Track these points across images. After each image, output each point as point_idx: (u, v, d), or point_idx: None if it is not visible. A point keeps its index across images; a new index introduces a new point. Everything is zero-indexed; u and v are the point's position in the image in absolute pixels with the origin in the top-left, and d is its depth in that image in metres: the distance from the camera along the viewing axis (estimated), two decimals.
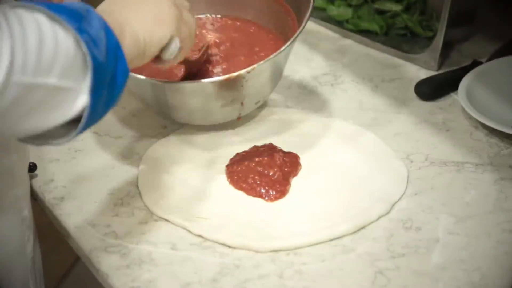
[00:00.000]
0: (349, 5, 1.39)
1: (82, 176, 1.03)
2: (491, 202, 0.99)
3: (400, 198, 0.99)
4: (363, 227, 0.95)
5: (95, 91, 0.75)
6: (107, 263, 0.90)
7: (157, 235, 0.94)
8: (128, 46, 0.82)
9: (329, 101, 1.20)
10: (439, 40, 1.25)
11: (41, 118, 0.74)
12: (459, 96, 1.15)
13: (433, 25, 1.32)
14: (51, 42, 0.72)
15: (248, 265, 0.90)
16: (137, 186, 1.01)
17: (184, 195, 0.99)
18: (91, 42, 0.74)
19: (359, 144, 1.08)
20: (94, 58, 0.74)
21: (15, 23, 0.70)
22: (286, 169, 1.02)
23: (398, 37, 1.35)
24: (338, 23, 1.38)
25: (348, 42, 1.36)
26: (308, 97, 1.22)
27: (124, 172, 1.04)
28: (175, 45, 0.89)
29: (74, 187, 1.01)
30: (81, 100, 0.75)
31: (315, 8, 1.42)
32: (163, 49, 0.89)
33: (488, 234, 0.94)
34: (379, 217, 0.96)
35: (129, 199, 1.00)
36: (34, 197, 1.02)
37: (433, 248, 0.92)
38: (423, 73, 1.26)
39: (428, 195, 1.00)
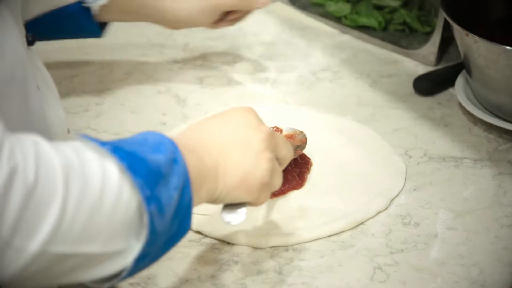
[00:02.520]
0: (347, 1, 1.39)
1: None
2: (490, 197, 0.99)
3: (398, 194, 0.99)
4: (362, 223, 0.95)
5: (144, 258, 0.68)
6: None
7: None
8: (202, 196, 0.76)
9: (328, 96, 1.21)
10: (437, 36, 1.25)
11: (72, 277, 0.66)
12: (457, 91, 1.15)
13: (432, 20, 1.32)
14: (109, 206, 0.63)
15: (247, 261, 0.90)
16: None
17: None
18: (157, 213, 0.66)
19: (357, 140, 1.08)
20: (152, 232, 0.66)
21: (75, 175, 0.61)
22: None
23: (396, 33, 1.35)
24: (336, 19, 1.38)
25: (346, 37, 1.36)
26: (306, 93, 1.22)
27: None
28: (241, 215, 0.80)
29: None
30: (123, 262, 0.67)
31: (313, 4, 1.42)
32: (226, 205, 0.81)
33: (486, 229, 0.94)
34: (378, 213, 0.97)
35: None
36: None
37: (432, 243, 0.92)
38: (422, 69, 1.26)
39: (427, 190, 1.00)
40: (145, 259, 0.69)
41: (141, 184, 0.66)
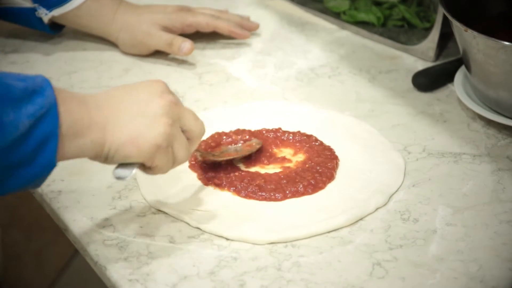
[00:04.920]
0: None
1: (79, 170, 1.03)
2: (489, 193, 0.99)
3: (397, 190, 0.99)
4: (361, 219, 0.95)
5: None
6: (105, 256, 0.90)
7: (155, 228, 0.94)
8: (86, 145, 0.81)
9: (326, 93, 1.20)
10: (436, 31, 1.24)
11: None
12: (456, 87, 1.15)
13: (430, 16, 1.32)
14: None
15: (246, 257, 0.90)
16: (135, 179, 1.01)
17: (182, 188, 0.99)
18: None
19: (356, 136, 1.08)
20: None
21: None
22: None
23: (395, 28, 1.34)
24: (335, 15, 1.38)
25: (345, 33, 1.36)
26: (305, 89, 1.22)
27: None
28: (130, 173, 0.84)
29: (71, 181, 1.01)
30: None
31: (312, 0, 1.42)
32: (120, 164, 0.85)
33: (485, 225, 0.94)
34: (377, 209, 0.97)
35: (127, 192, 1.00)
36: (32, 190, 1.02)
37: (431, 239, 0.92)
38: (420, 64, 1.26)
39: (426, 186, 1.00)
40: None
41: None
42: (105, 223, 0.95)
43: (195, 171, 1.01)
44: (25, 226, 1.89)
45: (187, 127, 0.88)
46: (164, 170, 0.87)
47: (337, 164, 1.02)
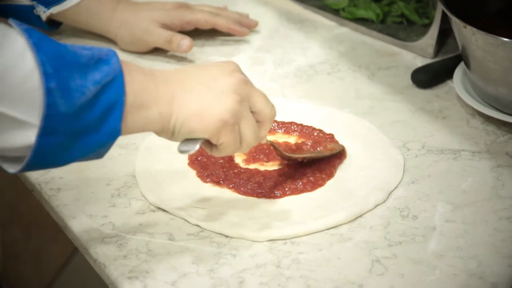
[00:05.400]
0: None
1: (78, 167, 1.03)
2: (488, 190, 0.99)
3: (397, 186, 0.99)
4: (360, 216, 0.95)
5: (48, 137, 0.74)
6: (104, 254, 0.90)
7: (154, 225, 0.94)
8: (152, 117, 0.80)
9: (326, 89, 1.20)
10: (435, 28, 1.24)
11: None
12: (455, 83, 1.15)
13: (430, 12, 1.32)
14: (10, 72, 0.72)
15: (245, 254, 0.90)
16: (134, 177, 1.01)
17: (181, 185, 0.99)
18: (60, 93, 0.74)
19: (355, 133, 1.08)
20: (50, 107, 0.73)
21: None
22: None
23: (394, 25, 1.34)
24: (334, 11, 1.38)
25: (344, 30, 1.36)
26: (304, 85, 1.22)
27: (121, 162, 1.04)
28: (194, 147, 0.83)
29: (70, 178, 1.01)
30: (29, 137, 0.74)
31: None
32: (186, 140, 0.84)
33: (485, 222, 0.94)
34: (376, 206, 0.97)
35: (126, 189, 1.00)
36: (31, 188, 1.02)
37: (430, 236, 0.92)
38: (420, 61, 1.26)
39: (425, 183, 1.00)
40: (50, 139, 0.74)
41: (42, 60, 0.73)
42: (104, 221, 0.95)
43: (194, 169, 1.01)
44: (25, 224, 1.89)
45: (257, 108, 0.86)
46: (230, 150, 0.85)
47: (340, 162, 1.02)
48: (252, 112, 0.86)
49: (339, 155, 1.02)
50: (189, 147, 0.83)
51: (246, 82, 0.85)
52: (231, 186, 0.98)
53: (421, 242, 0.91)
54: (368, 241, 0.91)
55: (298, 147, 1.03)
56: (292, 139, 1.06)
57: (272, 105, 0.88)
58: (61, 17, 1.27)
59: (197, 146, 0.83)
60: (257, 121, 0.87)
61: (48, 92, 0.73)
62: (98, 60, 0.77)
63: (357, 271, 0.88)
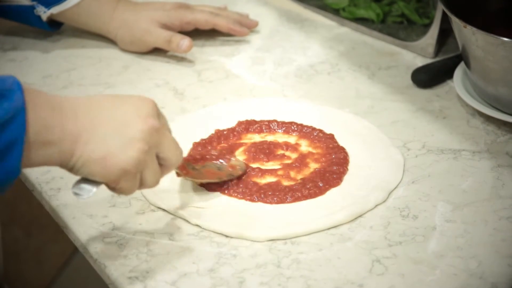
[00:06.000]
0: None
1: None
2: (488, 190, 0.99)
3: (397, 186, 0.99)
4: (360, 216, 0.95)
5: None
6: (104, 254, 0.90)
7: (155, 225, 0.94)
8: (53, 155, 0.78)
9: (326, 89, 1.20)
10: (435, 27, 1.24)
11: None
12: (455, 83, 1.15)
13: (430, 12, 1.32)
14: None
15: (246, 254, 0.90)
16: None
17: (181, 185, 0.99)
18: None
19: (355, 132, 1.08)
20: None
21: None
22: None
23: (394, 25, 1.34)
24: (335, 11, 1.38)
25: (344, 30, 1.36)
26: (305, 85, 1.21)
27: None
28: (89, 193, 0.81)
29: (71, 178, 1.01)
30: None
31: None
32: (82, 179, 0.82)
33: (485, 222, 0.94)
34: (376, 205, 0.96)
35: None
36: (31, 188, 1.02)
37: (430, 236, 0.92)
38: (420, 61, 1.26)
39: (425, 182, 1.00)
40: None
41: None
42: (105, 221, 0.95)
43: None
44: (25, 223, 1.89)
45: (164, 155, 0.84)
46: (127, 193, 0.84)
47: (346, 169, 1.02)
48: (158, 156, 0.84)
49: (343, 164, 1.01)
50: (83, 192, 0.81)
51: (158, 130, 0.82)
52: (235, 195, 0.98)
53: (421, 242, 0.91)
54: (368, 241, 0.91)
55: (202, 157, 1.00)
56: (292, 139, 1.06)
57: (180, 152, 0.87)
58: (61, 17, 1.27)
59: (92, 193, 0.81)
60: (161, 165, 0.85)
61: None
62: (0, 96, 0.74)
63: (357, 271, 0.88)
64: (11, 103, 0.74)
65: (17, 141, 0.75)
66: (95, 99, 0.82)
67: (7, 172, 0.75)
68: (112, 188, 0.83)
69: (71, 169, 0.81)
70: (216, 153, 1.02)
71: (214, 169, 0.99)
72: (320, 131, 1.07)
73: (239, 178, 0.99)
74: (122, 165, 0.80)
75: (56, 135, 0.77)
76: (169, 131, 0.86)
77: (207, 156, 1.01)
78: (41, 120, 0.76)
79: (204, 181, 0.98)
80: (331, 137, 1.06)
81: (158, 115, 0.84)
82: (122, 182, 0.82)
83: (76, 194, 0.82)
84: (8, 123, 0.74)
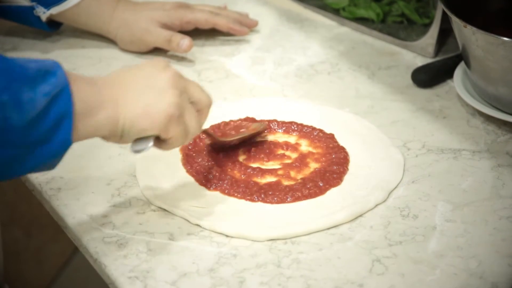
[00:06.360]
0: None
1: (79, 167, 1.03)
2: (488, 189, 0.99)
3: (397, 186, 0.99)
4: (360, 215, 0.95)
5: (2, 150, 0.76)
6: (104, 253, 0.90)
7: (155, 225, 0.94)
8: (100, 122, 0.82)
9: (326, 89, 1.20)
10: (435, 27, 1.24)
11: None
12: (455, 83, 1.15)
13: (430, 12, 1.32)
14: None
15: (246, 254, 0.90)
16: (135, 176, 1.01)
17: (181, 185, 0.99)
18: (12, 105, 0.75)
19: (355, 132, 1.08)
20: (3, 120, 0.75)
21: None
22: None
23: (394, 25, 1.34)
24: (335, 11, 1.38)
25: (344, 29, 1.36)
26: (305, 85, 1.21)
27: (121, 162, 1.04)
28: (147, 145, 0.85)
29: (71, 178, 1.01)
30: None
31: None
32: (136, 140, 0.86)
33: (485, 221, 0.94)
34: (376, 205, 0.96)
35: (126, 189, 1.00)
36: (31, 188, 1.02)
37: (430, 235, 0.92)
38: (420, 60, 1.26)
39: (425, 182, 1.00)
40: (4, 152, 0.76)
41: None
42: (105, 220, 0.95)
43: (192, 175, 1.01)
44: (25, 223, 1.89)
45: (195, 98, 0.89)
46: (179, 142, 0.88)
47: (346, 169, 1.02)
48: (191, 102, 0.88)
49: (343, 163, 1.02)
50: (142, 146, 0.85)
51: (180, 75, 0.88)
52: (235, 195, 0.98)
53: (421, 242, 0.91)
54: (368, 241, 0.91)
55: (223, 134, 1.05)
56: (292, 139, 1.06)
57: (208, 94, 0.91)
58: (61, 17, 1.27)
59: (151, 144, 0.85)
60: (196, 111, 0.89)
61: (1, 106, 0.75)
62: (45, 73, 0.79)
63: (357, 271, 0.88)
64: (57, 78, 0.79)
65: (66, 113, 0.79)
66: (116, 72, 0.88)
67: (61, 144, 0.79)
68: (163, 142, 0.87)
69: (121, 135, 0.84)
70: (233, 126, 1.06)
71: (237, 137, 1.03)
72: (320, 130, 1.07)
73: (260, 133, 1.05)
74: (166, 111, 0.84)
75: (98, 103, 0.82)
76: (188, 79, 0.90)
77: (227, 132, 1.05)
78: (83, 92, 0.81)
79: (229, 139, 1.02)
80: (331, 136, 1.06)
81: (172, 66, 0.89)
82: (171, 130, 0.85)
83: (135, 151, 0.85)
84: (57, 97, 0.78)
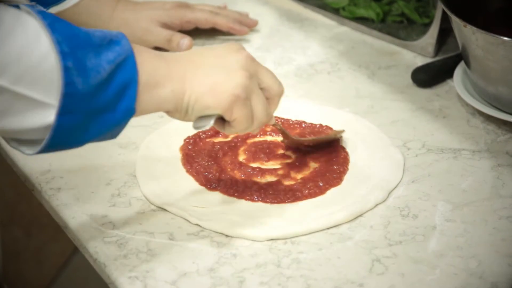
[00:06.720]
0: None
1: (79, 167, 1.03)
2: (488, 189, 0.99)
3: (397, 186, 0.99)
4: (360, 215, 0.95)
5: (67, 116, 0.76)
6: (104, 253, 0.90)
7: (155, 225, 0.94)
8: (165, 95, 0.82)
9: (326, 89, 1.20)
10: (435, 27, 1.24)
11: (5, 122, 0.76)
12: (455, 83, 1.15)
13: (430, 11, 1.32)
14: (27, 53, 0.73)
15: (246, 254, 0.90)
16: (135, 176, 1.01)
17: (182, 185, 0.99)
18: (77, 72, 0.75)
19: (355, 132, 1.08)
20: (69, 86, 0.75)
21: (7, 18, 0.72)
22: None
23: (394, 24, 1.34)
24: (334, 10, 1.38)
25: (344, 29, 1.36)
26: (304, 85, 1.21)
27: (121, 162, 1.04)
28: (209, 123, 0.84)
29: (71, 178, 1.01)
30: (47, 118, 0.76)
31: None
32: (200, 117, 0.85)
33: (485, 221, 0.94)
34: (376, 205, 0.96)
35: (126, 189, 1.00)
36: (31, 188, 1.02)
37: (430, 235, 0.92)
38: (420, 60, 1.26)
39: (425, 182, 1.00)
40: (69, 118, 0.76)
41: (58, 40, 0.75)
42: (105, 220, 0.95)
43: (192, 175, 1.01)
44: (25, 223, 1.89)
45: (265, 84, 0.88)
46: (242, 126, 0.86)
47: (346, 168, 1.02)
48: (260, 88, 0.87)
49: (343, 163, 1.02)
50: (204, 123, 0.84)
51: (253, 59, 0.87)
52: (235, 195, 0.98)
53: (421, 242, 0.91)
54: (368, 241, 0.91)
55: (300, 135, 1.04)
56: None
57: (280, 82, 0.90)
58: (61, 17, 1.26)
59: (212, 122, 0.84)
60: (266, 98, 0.88)
61: (66, 71, 0.75)
62: (110, 41, 0.79)
63: (357, 271, 0.88)
64: (121, 47, 0.79)
65: (131, 81, 0.79)
66: (188, 50, 0.90)
67: (124, 112, 0.80)
68: (227, 123, 0.86)
69: (186, 111, 0.84)
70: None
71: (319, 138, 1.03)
72: (321, 125, 1.07)
73: (336, 140, 1.04)
74: (232, 91, 0.83)
75: (164, 76, 0.82)
76: (262, 65, 0.89)
77: (304, 135, 1.04)
78: (149, 63, 0.81)
79: (302, 139, 1.02)
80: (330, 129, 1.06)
81: (247, 50, 0.89)
82: (235, 111, 0.84)
83: (196, 127, 0.84)
84: (122, 65, 0.79)
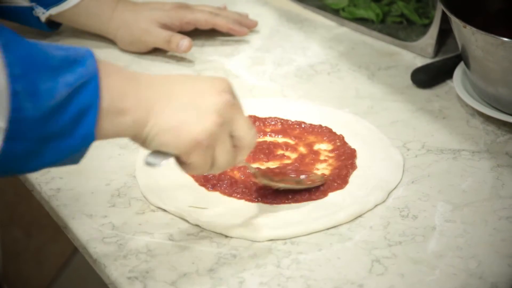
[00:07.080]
0: None
1: (78, 167, 1.02)
2: (488, 190, 0.99)
3: (396, 186, 0.99)
4: (360, 216, 0.95)
5: (16, 141, 0.72)
6: (104, 254, 0.90)
7: (154, 225, 0.94)
8: (126, 124, 0.78)
9: (326, 89, 1.20)
10: (435, 28, 1.24)
11: None
12: (455, 83, 1.15)
13: (429, 12, 1.32)
14: None
15: (245, 254, 0.90)
16: (134, 176, 1.01)
17: (181, 185, 0.99)
18: (27, 95, 0.71)
19: (355, 133, 1.08)
20: (16, 111, 0.71)
21: None
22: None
23: (394, 25, 1.34)
24: (334, 11, 1.38)
25: (344, 30, 1.36)
26: (304, 85, 1.22)
27: (121, 162, 1.04)
28: (161, 162, 0.80)
29: (70, 178, 1.01)
30: None
31: None
32: (155, 152, 0.81)
33: (484, 222, 0.94)
34: (376, 206, 0.97)
35: (126, 189, 1.00)
36: (31, 188, 1.02)
37: (430, 236, 0.92)
38: (419, 61, 1.26)
39: (425, 182, 1.00)
40: (17, 144, 0.72)
41: (10, 61, 0.71)
42: (104, 221, 0.95)
43: (191, 175, 1.01)
44: (25, 224, 1.89)
45: (237, 133, 0.83)
46: (199, 171, 0.83)
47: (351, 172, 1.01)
48: (232, 136, 0.83)
49: (351, 163, 1.01)
50: (156, 161, 0.80)
51: (233, 105, 0.82)
52: (235, 195, 0.98)
53: (421, 242, 0.91)
54: (368, 241, 0.91)
55: (281, 172, 1.00)
56: (292, 139, 1.07)
57: (254, 133, 0.84)
58: (60, 18, 1.27)
59: (164, 162, 0.80)
60: (235, 146, 0.83)
61: (14, 96, 0.71)
62: (73, 61, 0.75)
63: (357, 271, 0.88)
64: (84, 68, 0.75)
65: (91, 106, 0.75)
66: (171, 75, 0.84)
67: (83, 138, 0.76)
68: (183, 163, 0.82)
69: (144, 141, 0.80)
70: (295, 169, 1.00)
71: (292, 182, 0.98)
72: (320, 126, 1.07)
73: (317, 189, 0.98)
74: (195, 136, 0.79)
75: (130, 103, 0.77)
76: (243, 111, 0.84)
77: (287, 172, 1.00)
78: (115, 88, 0.77)
79: (282, 186, 0.96)
80: (329, 130, 1.06)
81: (232, 93, 0.83)
82: (193, 155, 0.80)
83: (148, 164, 0.80)
84: (82, 88, 0.74)
